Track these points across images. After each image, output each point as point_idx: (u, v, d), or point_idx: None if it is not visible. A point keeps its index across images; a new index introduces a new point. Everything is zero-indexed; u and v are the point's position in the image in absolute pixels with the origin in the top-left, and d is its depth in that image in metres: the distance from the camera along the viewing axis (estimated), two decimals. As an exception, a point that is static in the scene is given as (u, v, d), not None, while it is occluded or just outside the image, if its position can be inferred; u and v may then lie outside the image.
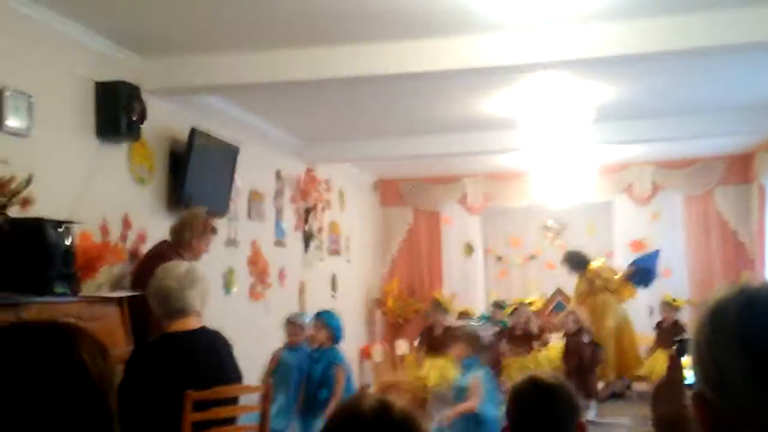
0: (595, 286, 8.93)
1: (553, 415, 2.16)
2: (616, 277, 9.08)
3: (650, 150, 9.49)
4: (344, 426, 1.50)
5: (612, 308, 8.86)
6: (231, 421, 3.49)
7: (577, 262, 9.17)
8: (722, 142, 9.19)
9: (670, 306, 8.85)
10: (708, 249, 10.37)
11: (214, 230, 5.18)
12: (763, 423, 1.13)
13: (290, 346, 6.21)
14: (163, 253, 4.76)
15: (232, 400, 3.48)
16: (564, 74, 5.87)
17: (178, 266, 3.46)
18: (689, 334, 1.28)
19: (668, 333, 8.40)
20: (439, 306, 8.61)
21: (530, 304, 9.16)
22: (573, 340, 8.39)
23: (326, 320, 6.08)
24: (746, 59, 5.75)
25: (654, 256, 9.42)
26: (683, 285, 10.26)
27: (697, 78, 6.30)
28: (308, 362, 6.01)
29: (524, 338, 8.59)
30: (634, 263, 9.30)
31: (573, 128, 7.23)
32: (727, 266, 10.21)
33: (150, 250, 5.03)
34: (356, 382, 6.79)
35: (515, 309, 8.80)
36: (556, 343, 8.78)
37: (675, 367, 1.44)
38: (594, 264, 9.17)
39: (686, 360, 1.40)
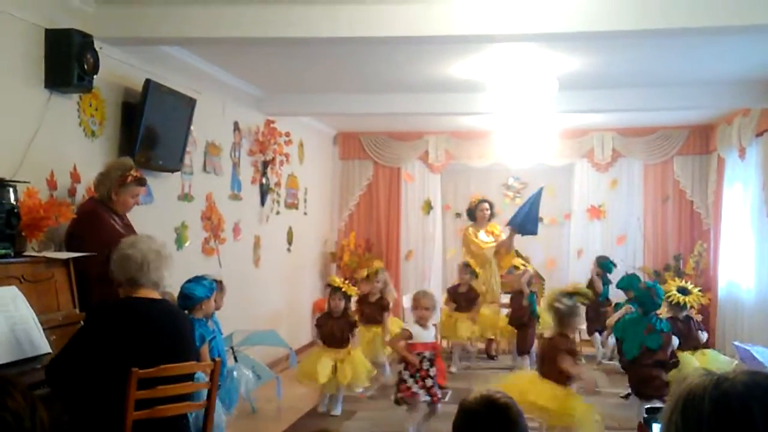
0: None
1: None
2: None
3: (612, 117, 9.47)
4: None
5: None
6: (182, 398, 3.40)
7: None
8: (683, 113, 9.20)
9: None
10: (664, 217, 10.47)
11: (139, 180, 4.75)
12: None
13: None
14: (92, 209, 4.57)
15: (185, 377, 3.40)
16: (529, 45, 5.79)
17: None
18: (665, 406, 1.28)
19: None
20: (468, 267, 8.89)
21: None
22: (518, 298, 8.70)
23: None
24: (706, 40, 5.73)
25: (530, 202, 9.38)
26: (638, 252, 10.43)
27: (660, 54, 6.26)
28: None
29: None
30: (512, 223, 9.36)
31: (537, 97, 7.15)
32: (682, 235, 10.35)
33: (79, 208, 4.76)
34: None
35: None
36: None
37: None
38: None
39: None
